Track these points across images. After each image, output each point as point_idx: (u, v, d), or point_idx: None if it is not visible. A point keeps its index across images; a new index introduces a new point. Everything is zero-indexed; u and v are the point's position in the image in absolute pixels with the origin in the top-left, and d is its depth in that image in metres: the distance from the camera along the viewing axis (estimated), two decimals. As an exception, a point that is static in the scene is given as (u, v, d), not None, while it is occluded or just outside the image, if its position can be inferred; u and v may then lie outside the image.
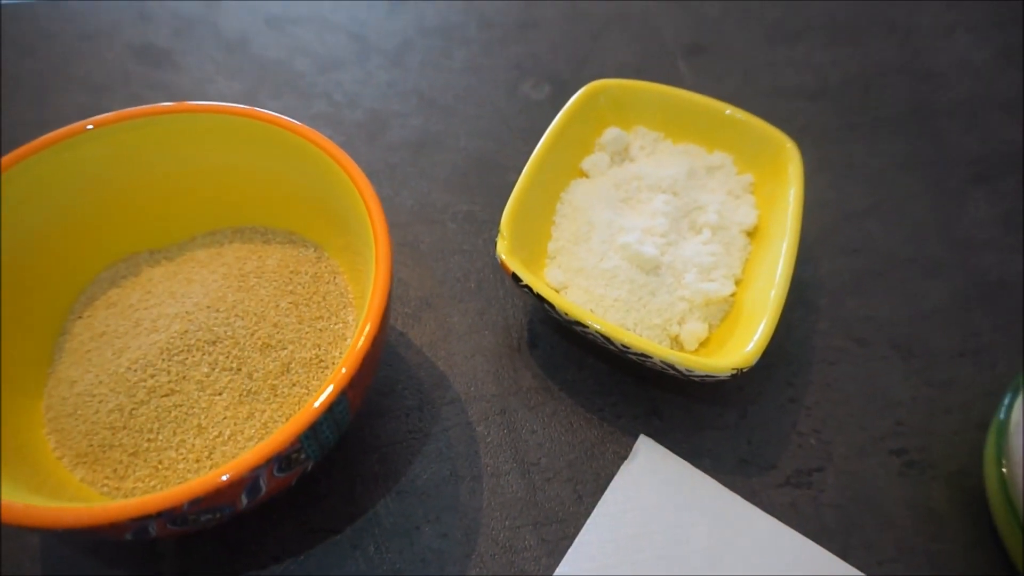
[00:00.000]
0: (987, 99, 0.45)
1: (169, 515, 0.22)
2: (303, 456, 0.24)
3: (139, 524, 0.22)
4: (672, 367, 0.28)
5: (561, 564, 0.28)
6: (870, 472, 0.30)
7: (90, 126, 0.30)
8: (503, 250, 0.30)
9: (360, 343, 0.24)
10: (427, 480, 0.30)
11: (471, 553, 0.28)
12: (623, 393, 0.32)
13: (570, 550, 0.28)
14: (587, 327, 0.29)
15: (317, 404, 0.23)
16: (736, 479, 0.30)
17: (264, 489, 0.24)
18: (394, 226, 0.38)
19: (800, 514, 0.29)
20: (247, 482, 0.22)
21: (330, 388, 0.23)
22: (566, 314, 0.29)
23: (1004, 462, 0.28)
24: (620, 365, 0.33)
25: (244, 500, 0.24)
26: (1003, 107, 0.44)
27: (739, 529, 0.29)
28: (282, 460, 0.23)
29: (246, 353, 0.29)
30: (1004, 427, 0.29)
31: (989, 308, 0.35)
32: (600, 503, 0.29)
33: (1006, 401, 0.29)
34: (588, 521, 0.29)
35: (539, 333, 0.34)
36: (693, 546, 0.28)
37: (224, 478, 0.21)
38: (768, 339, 0.28)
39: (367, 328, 0.25)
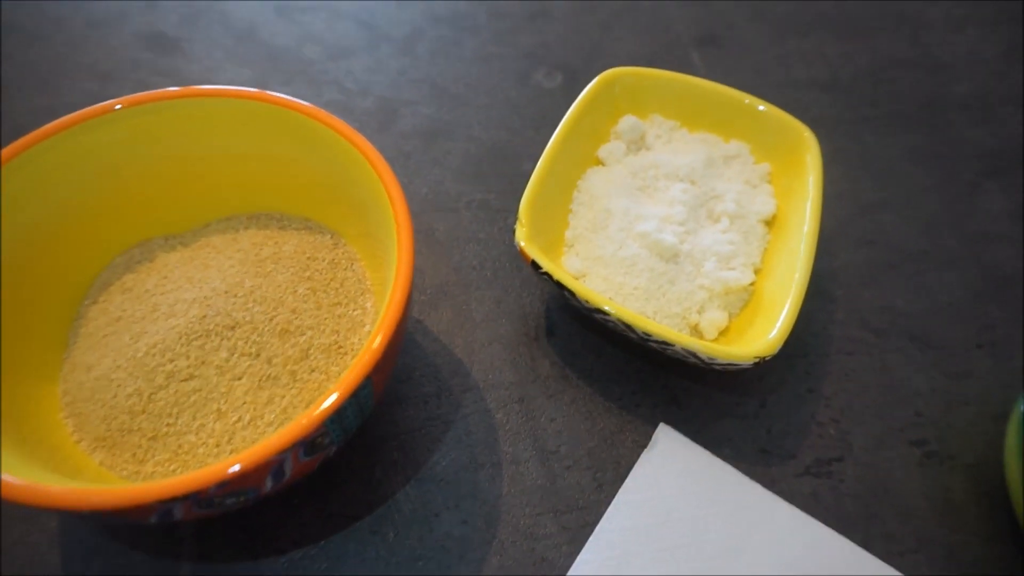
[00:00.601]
0: (998, 93, 0.45)
1: (195, 498, 0.21)
2: (327, 441, 0.24)
3: (165, 506, 0.21)
4: (694, 355, 0.28)
5: (582, 552, 0.28)
6: (889, 463, 0.30)
7: (118, 106, 0.29)
8: (522, 237, 0.30)
9: (386, 325, 0.24)
10: (446, 467, 0.29)
11: (491, 540, 0.28)
12: (642, 382, 0.32)
13: (591, 538, 0.28)
14: (607, 314, 0.29)
15: (344, 387, 0.23)
16: (756, 468, 0.30)
17: (289, 473, 0.24)
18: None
19: (821, 504, 0.29)
20: (273, 465, 0.22)
21: (357, 371, 0.23)
22: (586, 301, 0.29)
23: (1015, 461, 0.28)
24: (639, 354, 0.33)
25: (269, 484, 0.23)
26: (1014, 101, 0.44)
27: (760, 518, 0.29)
28: (307, 444, 0.23)
29: (265, 338, 0.28)
30: (1019, 424, 0.29)
31: (1003, 301, 0.35)
32: (620, 491, 0.29)
33: (1026, 391, 0.29)
34: (608, 509, 0.29)
35: (557, 321, 0.34)
36: (714, 535, 0.28)
37: (248, 462, 0.21)
38: (791, 327, 0.28)
39: (393, 308, 0.24)
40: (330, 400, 0.22)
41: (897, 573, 0.27)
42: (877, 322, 0.34)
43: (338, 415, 0.23)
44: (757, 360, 0.28)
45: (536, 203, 0.32)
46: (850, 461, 0.30)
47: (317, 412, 0.22)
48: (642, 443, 0.30)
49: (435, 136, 0.41)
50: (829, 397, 0.32)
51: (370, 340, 0.24)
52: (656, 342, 0.29)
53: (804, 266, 0.30)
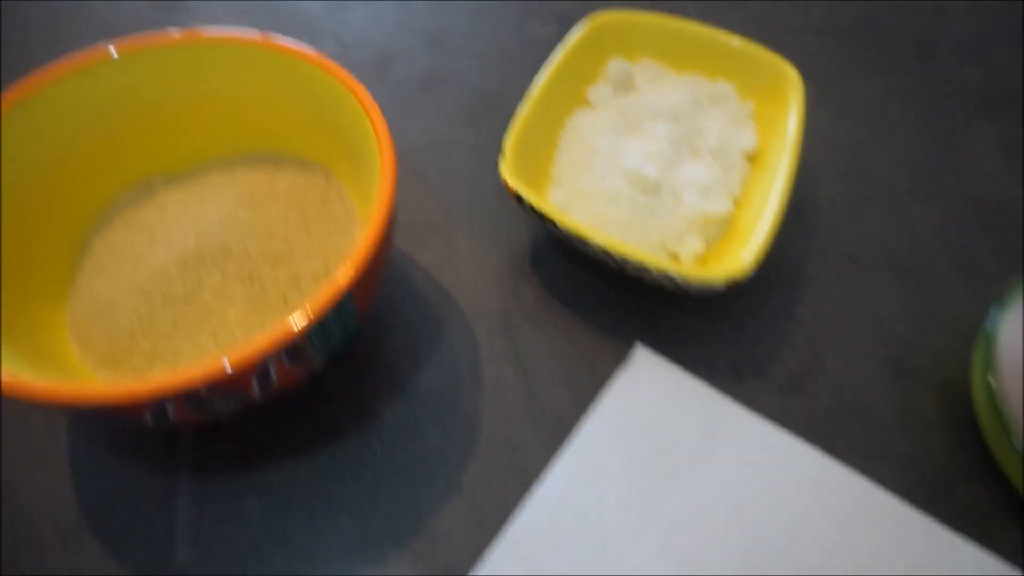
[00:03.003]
0: (993, 33, 0.45)
1: (187, 397, 0.23)
2: (311, 351, 0.25)
3: (158, 404, 0.23)
4: (669, 279, 0.29)
5: (558, 460, 0.29)
6: (860, 381, 0.31)
7: (114, 53, 0.31)
8: (506, 170, 0.31)
9: (367, 242, 0.25)
10: (430, 386, 0.31)
11: (472, 450, 0.29)
12: (622, 308, 0.33)
13: (567, 447, 0.29)
14: (587, 242, 0.30)
15: (322, 300, 0.24)
16: (730, 386, 0.31)
17: (275, 379, 0.25)
18: (401, 157, 0.39)
19: (791, 418, 0.30)
20: (258, 367, 0.24)
21: (337, 286, 0.24)
22: (567, 230, 0.30)
23: (991, 371, 0.29)
24: (619, 282, 0.34)
25: (256, 388, 0.25)
26: (1010, 40, 0.44)
27: (730, 430, 0.30)
28: (291, 351, 0.24)
29: (257, 266, 0.30)
30: (992, 337, 0.29)
31: (987, 230, 0.36)
32: (596, 405, 0.30)
33: (994, 312, 0.30)
34: (585, 422, 0.30)
35: (542, 255, 0.35)
36: (685, 444, 0.30)
37: (234, 361, 0.23)
38: (764, 251, 0.29)
39: (374, 227, 0.26)
40: (308, 309, 0.24)
41: (858, 475, 0.28)
42: (857, 252, 0.35)
43: (321, 328, 0.25)
44: (730, 282, 0.28)
45: (522, 140, 0.33)
46: (822, 380, 0.31)
47: (298, 318, 0.24)
48: (620, 364, 0.31)
49: (430, 85, 0.42)
50: (805, 321, 0.33)
51: (351, 257, 0.25)
52: (634, 268, 0.30)
53: (780, 195, 0.31)
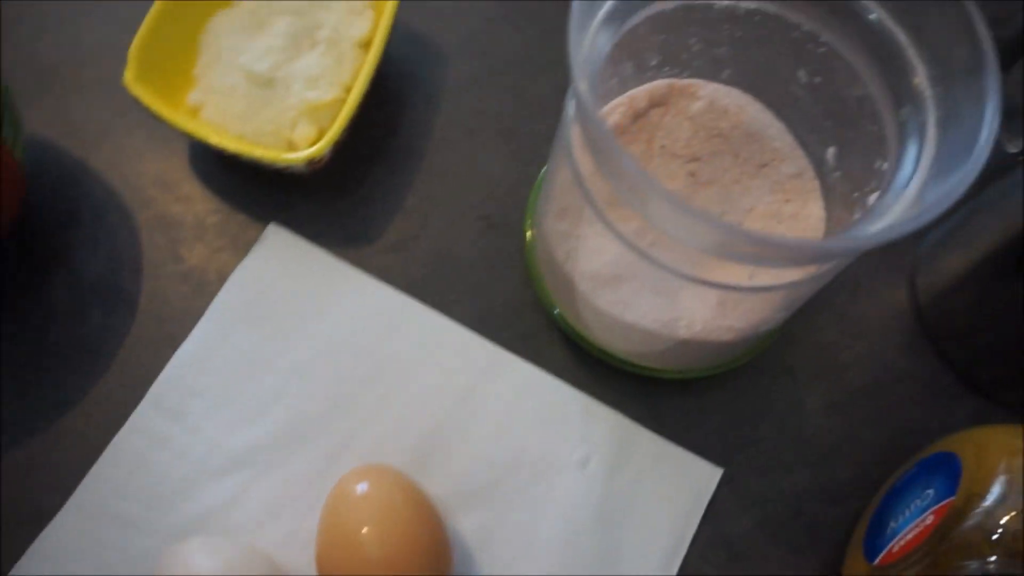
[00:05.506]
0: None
1: None
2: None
3: None
4: (260, 162, 0.35)
5: (198, 324, 0.35)
6: (458, 235, 0.38)
7: None
8: (129, 78, 0.36)
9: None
10: (95, 272, 0.37)
11: (130, 325, 0.35)
12: (253, 196, 0.39)
13: (205, 312, 0.36)
14: (206, 141, 0.35)
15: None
16: (348, 251, 0.37)
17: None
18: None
19: (394, 273, 0.37)
20: None
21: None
22: (185, 131, 0.35)
23: (531, 216, 0.36)
24: (250, 174, 0.39)
25: None
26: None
27: (343, 288, 0.37)
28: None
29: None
30: (534, 194, 0.36)
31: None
32: (231, 275, 0.36)
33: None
34: (221, 290, 0.36)
35: (199, 155, 0.40)
36: (306, 302, 0.36)
37: None
38: (338, 132, 0.35)
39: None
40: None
41: (438, 313, 0.36)
42: (472, 123, 0.41)
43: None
44: (309, 160, 0.34)
45: (152, 45, 0.37)
46: (424, 237, 0.38)
47: None
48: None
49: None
50: (419, 189, 0.39)
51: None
52: (246, 159, 0.35)
53: (361, 78, 0.36)
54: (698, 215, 0.21)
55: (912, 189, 0.23)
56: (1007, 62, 0.36)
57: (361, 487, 0.31)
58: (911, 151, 0.25)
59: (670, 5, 0.28)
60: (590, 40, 0.25)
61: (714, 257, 0.24)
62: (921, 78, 0.24)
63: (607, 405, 0.35)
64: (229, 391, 0.35)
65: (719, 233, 0.21)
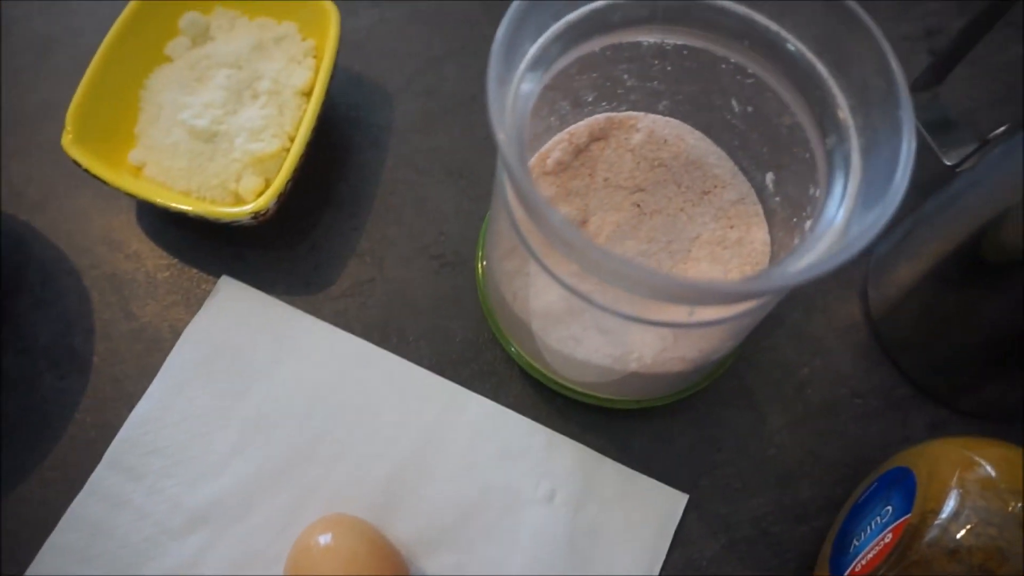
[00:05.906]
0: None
1: None
2: None
3: None
4: (214, 220, 0.34)
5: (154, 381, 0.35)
6: (412, 276, 0.38)
7: None
8: (67, 141, 0.35)
9: None
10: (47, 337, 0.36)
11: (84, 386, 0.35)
12: (206, 250, 0.38)
13: (161, 369, 0.35)
14: (137, 196, 0.35)
15: None
16: (302, 298, 0.37)
17: None
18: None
19: (349, 318, 0.37)
20: None
21: None
22: (125, 191, 0.35)
23: (482, 254, 0.36)
24: (203, 230, 0.39)
25: None
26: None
27: (299, 336, 0.37)
28: None
29: None
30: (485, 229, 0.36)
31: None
32: (185, 331, 0.36)
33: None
34: (175, 346, 0.36)
35: (147, 214, 0.40)
36: (261, 351, 0.36)
37: None
38: (281, 185, 0.35)
39: None
40: None
41: (395, 356, 0.36)
42: (421, 162, 0.41)
43: None
44: (254, 214, 0.34)
45: (91, 106, 0.37)
46: (380, 280, 0.38)
47: None
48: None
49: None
50: (371, 230, 0.39)
51: None
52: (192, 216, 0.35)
53: (304, 126, 0.36)
54: (626, 265, 0.21)
55: (840, 219, 0.24)
56: (941, 74, 0.37)
57: (324, 539, 0.31)
58: (839, 179, 0.25)
59: (596, 45, 0.28)
60: (514, 87, 0.25)
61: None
62: (843, 108, 0.25)
63: (570, 437, 0.35)
64: (188, 447, 0.35)
65: (649, 280, 0.22)
